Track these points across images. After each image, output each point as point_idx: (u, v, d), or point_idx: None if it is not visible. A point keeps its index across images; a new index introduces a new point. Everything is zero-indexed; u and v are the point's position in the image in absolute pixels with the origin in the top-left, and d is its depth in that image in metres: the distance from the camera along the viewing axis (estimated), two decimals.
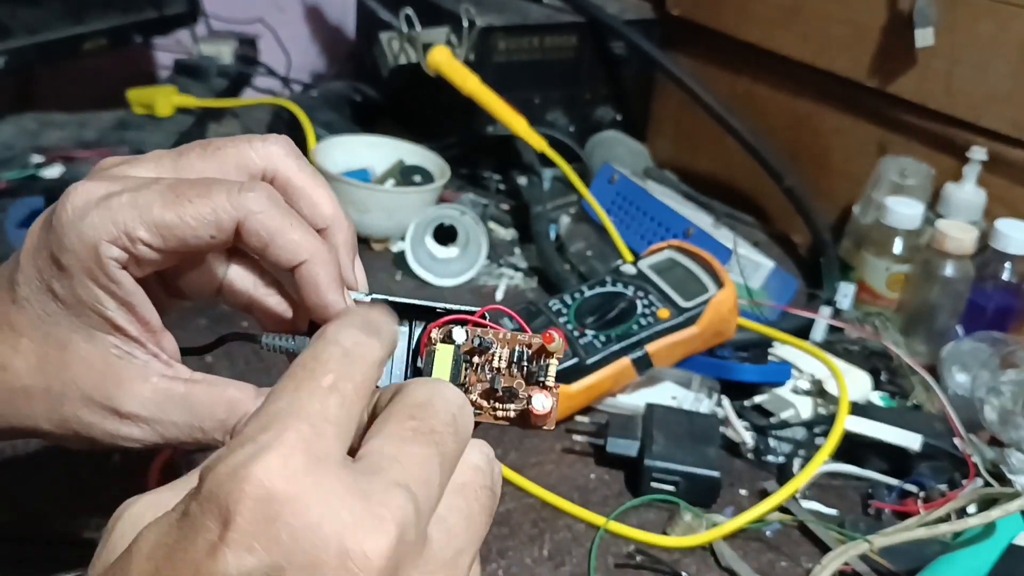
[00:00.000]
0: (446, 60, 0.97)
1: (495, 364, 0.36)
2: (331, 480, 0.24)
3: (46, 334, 0.35)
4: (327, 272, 0.35)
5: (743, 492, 0.64)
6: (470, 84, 0.97)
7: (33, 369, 0.36)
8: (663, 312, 0.70)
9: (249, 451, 0.24)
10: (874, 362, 0.76)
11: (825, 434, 0.65)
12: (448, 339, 0.36)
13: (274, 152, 0.37)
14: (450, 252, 0.88)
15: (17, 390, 0.36)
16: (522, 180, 1.02)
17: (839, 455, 0.64)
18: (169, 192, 0.34)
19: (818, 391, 0.71)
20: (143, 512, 0.26)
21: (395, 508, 0.25)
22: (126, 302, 0.35)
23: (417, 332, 0.38)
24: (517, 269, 0.91)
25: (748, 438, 0.67)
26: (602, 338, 0.68)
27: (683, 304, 0.70)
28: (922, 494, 0.63)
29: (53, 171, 0.82)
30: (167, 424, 0.36)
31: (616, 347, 0.67)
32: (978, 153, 0.83)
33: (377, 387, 0.32)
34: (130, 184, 0.35)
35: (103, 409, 0.36)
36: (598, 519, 0.59)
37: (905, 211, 0.82)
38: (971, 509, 0.58)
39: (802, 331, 0.79)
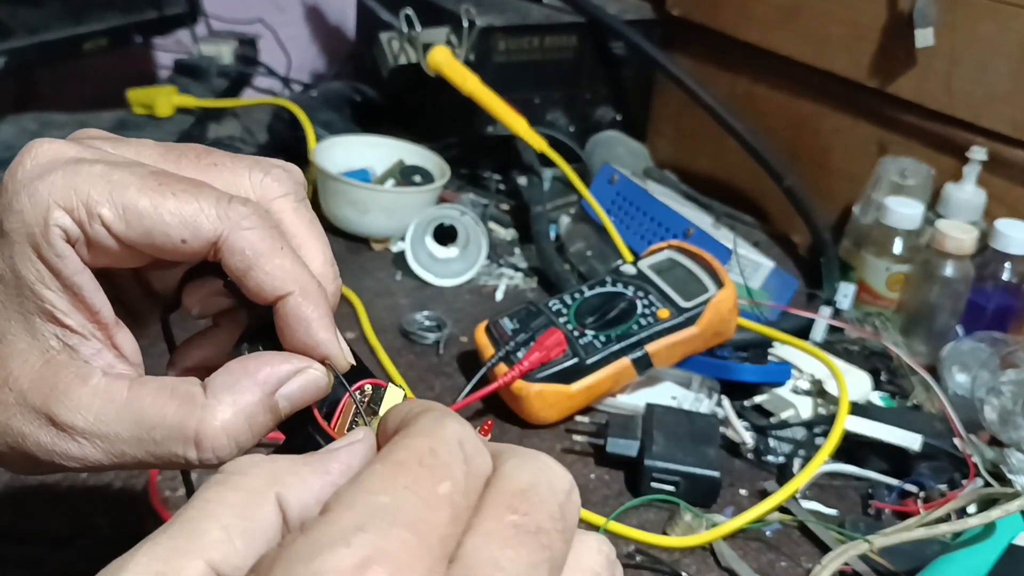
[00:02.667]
0: (446, 60, 0.97)
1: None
2: None
3: None
4: (317, 308, 0.31)
5: (743, 492, 0.64)
6: (470, 84, 0.97)
7: None
8: (663, 312, 0.70)
9: (342, 556, 0.20)
10: (874, 362, 0.76)
11: (825, 434, 0.65)
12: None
13: (271, 189, 0.33)
14: (450, 252, 0.88)
15: None
16: (522, 180, 1.02)
17: (839, 455, 0.64)
18: (151, 178, 0.30)
19: (818, 391, 0.71)
20: None
21: None
22: (70, 284, 0.30)
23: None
24: (517, 269, 0.91)
25: (748, 438, 0.67)
26: (602, 338, 0.68)
27: (683, 304, 0.70)
28: (922, 494, 0.63)
29: None
30: (111, 438, 0.30)
31: (616, 347, 0.67)
32: (978, 153, 0.83)
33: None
34: (108, 157, 0.31)
35: (38, 417, 0.30)
36: (598, 519, 0.59)
37: (905, 211, 0.82)
38: (971, 509, 0.58)
39: (802, 331, 0.79)
